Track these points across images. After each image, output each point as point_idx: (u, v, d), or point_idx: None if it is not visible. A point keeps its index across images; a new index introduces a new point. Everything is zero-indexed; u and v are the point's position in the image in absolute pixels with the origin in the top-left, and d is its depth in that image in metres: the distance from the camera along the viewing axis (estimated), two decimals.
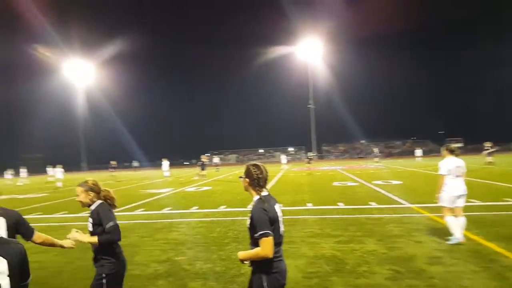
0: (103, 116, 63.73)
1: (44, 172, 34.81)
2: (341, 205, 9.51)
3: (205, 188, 16.69)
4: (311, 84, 61.97)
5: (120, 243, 2.94)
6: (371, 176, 18.73)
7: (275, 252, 2.28)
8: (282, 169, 29.90)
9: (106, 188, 3.01)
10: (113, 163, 28.57)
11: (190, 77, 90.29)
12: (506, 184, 12.39)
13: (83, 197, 2.93)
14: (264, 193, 2.42)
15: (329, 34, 60.33)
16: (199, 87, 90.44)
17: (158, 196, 13.87)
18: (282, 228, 2.39)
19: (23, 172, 30.20)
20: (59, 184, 22.14)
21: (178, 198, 13.07)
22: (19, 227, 2.66)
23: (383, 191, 12.06)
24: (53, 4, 61.93)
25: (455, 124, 71.51)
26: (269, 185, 15.65)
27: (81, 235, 2.86)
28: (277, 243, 2.32)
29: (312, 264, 4.93)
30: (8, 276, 1.57)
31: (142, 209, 10.49)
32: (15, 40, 63.82)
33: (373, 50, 72.74)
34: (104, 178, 27.87)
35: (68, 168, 23.70)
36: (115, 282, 2.84)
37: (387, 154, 59.91)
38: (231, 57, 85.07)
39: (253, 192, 2.43)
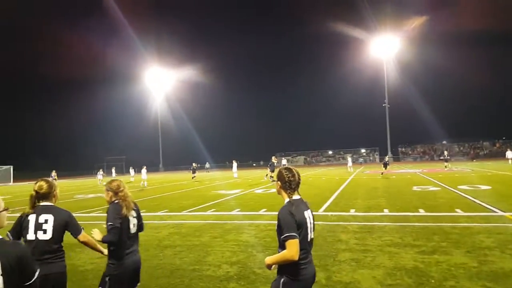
0: (176, 120, 67.82)
1: (127, 172, 38.00)
2: (422, 212, 8.86)
3: (273, 190, 16.67)
4: (386, 82, 59.10)
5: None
6: (456, 180, 17.28)
7: (302, 258, 2.28)
8: (350, 172, 29.03)
9: (126, 191, 3.05)
10: (194, 164, 30.01)
11: (259, 77, 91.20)
12: None
13: (105, 195, 3.08)
14: (296, 196, 2.44)
15: (407, 29, 56.76)
16: (268, 87, 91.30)
17: (227, 197, 14.21)
18: (310, 235, 2.40)
19: (113, 172, 33.37)
20: (144, 183, 23.93)
21: (247, 199, 13.24)
22: (67, 225, 2.84)
23: (470, 197, 11.02)
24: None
25: None
26: (340, 188, 15.56)
27: (96, 233, 2.94)
28: (304, 249, 2.30)
29: (392, 275, 4.54)
30: (2, 275, 1.61)
31: (213, 210, 10.80)
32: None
33: (459, 45, 66.69)
34: (184, 177, 29.45)
35: (148, 170, 25.76)
36: (118, 284, 2.84)
37: (473, 156, 54.16)
38: (301, 55, 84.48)
39: (285, 195, 2.46)
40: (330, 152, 75.10)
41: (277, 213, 2.41)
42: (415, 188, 14.64)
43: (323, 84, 77.73)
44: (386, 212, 9.11)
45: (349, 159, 33.52)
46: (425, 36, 59.23)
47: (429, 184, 15.94)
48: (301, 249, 2.25)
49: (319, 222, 8.01)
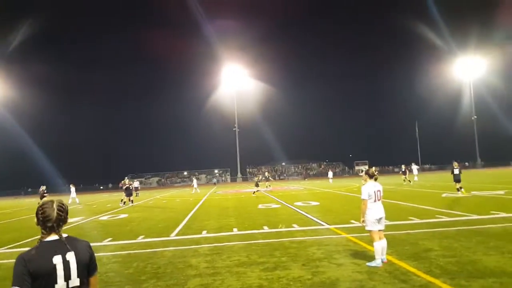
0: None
1: None
2: (266, 229, 9.46)
3: (121, 216, 15.40)
4: (236, 109, 63.40)
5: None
6: (293, 198, 19.26)
7: None
8: (194, 193, 29.91)
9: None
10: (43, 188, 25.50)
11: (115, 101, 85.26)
12: (409, 204, 13.63)
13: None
14: (51, 237, 2.05)
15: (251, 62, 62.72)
16: (119, 109, 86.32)
17: (65, 227, 12.31)
18: (59, 284, 1.96)
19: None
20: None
21: (89, 228, 11.78)
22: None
23: (304, 213, 12.36)
24: None
25: (362, 149, 79.00)
26: (193, 210, 15.72)
27: None
28: None
29: None
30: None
31: None
32: None
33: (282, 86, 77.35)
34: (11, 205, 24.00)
35: None
36: None
37: (305, 175, 63.03)
38: (160, 79, 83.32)
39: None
40: (185, 173, 75.02)
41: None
42: (260, 206, 15.68)
43: (178, 107, 78.00)
44: (235, 231, 9.43)
45: (195, 180, 33.83)
46: (266, 70, 66.73)
47: (272, 202, 17.33)
48: None
49: (170, 248, 7.73)
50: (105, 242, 8.88)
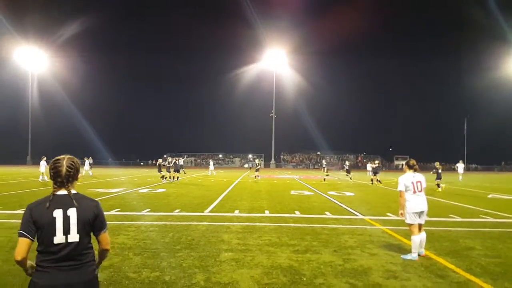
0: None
1: None
2: (297, 214, 9.40)
3: (159, 190, 15.95)
4: (274, 94, 63.04)
5: None
6: (326, 187, 18.99)
7: (42, 261, 2.09)
8: (210, 174, 30.70)
9: None
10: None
11: (156, 83, 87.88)
12: (451, 202, 12.96)
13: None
14: (61, 192, 2.17)
15: (294, 45, 61.63)
16: (160, 90, 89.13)
17: (107, 196, 12.97)
18: (58, 237, 2.08)
19: None
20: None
21: (129, 199, 12.31)
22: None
23: (337, 202, 12.16)
24: None
25: (403, 143, 75.95)
26: (228, 189, 16.18)
27: None
28: (46, 253, 2.10)
29: (268, 274, 4.62)
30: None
31: None
32: None
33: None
34: None
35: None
36: None
37: (341, 167, 61.45)
38: (199, 67, 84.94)
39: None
40: (220, 156, 76.38)
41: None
42: (293, 192, 15.62)
43: (216, 92, 78.90)
44: (267, 213, 9.43)
45: (211, 162, 33.46)
46: (310, 52, 65.42)
47: (305, 189, 17.17)
48: (43, 252, 2.09)
49: (203, 223, 7.89)
50: (144, 212, 9.19)
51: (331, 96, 74.69)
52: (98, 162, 49.83)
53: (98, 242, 2.30)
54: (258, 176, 23.81)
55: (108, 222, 2.34)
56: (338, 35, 70.52)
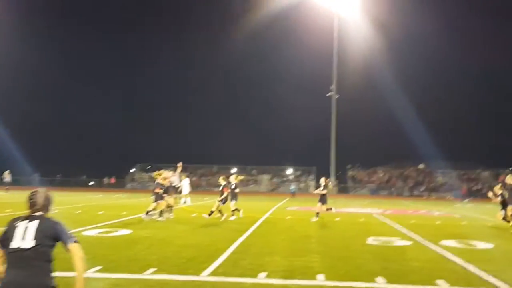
0: None
1: None
2: (381, 283, 9.08)
3: (120, 232, 15.90)
4: (336, 57, 62.13)
5: None
6: (438, 231, 18.59)
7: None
8: (182, 204, 30.42)
9: None
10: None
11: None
12: None
13: None
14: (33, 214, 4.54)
15: None
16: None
17: None
18: (14, 241, 4.24)
19: None
20: None
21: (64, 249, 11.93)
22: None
23: (459, 261, 11.66)
24: None
25: None
26: (247, 232, 16.75)
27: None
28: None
29: None
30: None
31: None
32: None
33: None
34: None
35: None
36: None
37: (466, 193, 58.23)
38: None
39: None
40: (234, 170, 76.75)
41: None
42: (371, 240, 15.13)
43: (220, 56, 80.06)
44: (320, 279, 9.26)
45: (185, 182, 30.23)
46: None
47: (395, 235, 16.69)
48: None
49: None
50: (90, 273, 8.91)
51: (447, 61, 73.26)
52: (15, 180, 51.71)
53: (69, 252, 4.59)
54: (331, 208, 22.98)
55: None
56: None
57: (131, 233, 15.33)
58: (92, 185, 71.06)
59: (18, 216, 4.40)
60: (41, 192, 4.64)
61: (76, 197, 39.97)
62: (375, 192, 68.27)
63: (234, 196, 21.78)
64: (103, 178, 72.61)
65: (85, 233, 15.09)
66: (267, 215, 24.13)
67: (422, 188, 69.01)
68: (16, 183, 53.02)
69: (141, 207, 28.35)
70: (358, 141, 72.27)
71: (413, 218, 24.75)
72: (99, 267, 9.56)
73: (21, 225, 4.25)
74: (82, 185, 69.34)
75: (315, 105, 66.20)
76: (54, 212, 17.86)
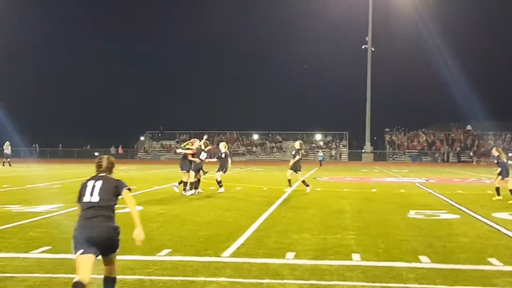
0: None
1: None
2: (426, 262, 9.16)
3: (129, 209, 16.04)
4: (370, 9, 61.95)
5: None
6: (489, 202, 18.75)
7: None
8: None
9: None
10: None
11: None
12: None
13: None
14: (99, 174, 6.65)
15: None
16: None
17: (23, 221, 13.59)
18: (85, 197, 6.34)
19: None
20: None
21: (69, 227, 12.43)
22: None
23: None
24: None
25: None
26: (272, 207, 16.83)
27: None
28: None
29: None
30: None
31: None
32: None
33: None
34: None
35: None
36: None
37: None
38: None
39: None
40: (256, 137, 77.12)
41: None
42: (413, 214, 15.38)
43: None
44: (356, 259, 9.35)
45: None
46: None
47: (440, 208, 16.90)
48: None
49: (220, 279, 7.94)
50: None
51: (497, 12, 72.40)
52: (14, 152, 53.12)
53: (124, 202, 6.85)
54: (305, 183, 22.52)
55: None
56: None
57: (142, 209, 15.42)
58: (97, 155, 72.36)
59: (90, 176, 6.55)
60: (105, 157, 6.85)
61: (80, 170, 41.01)
62: (416, 158, 68.10)
63: (223, 166, 22.35)
64: (110, 148, 73.23)
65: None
66: (293, 187, 24.25)
67: (470, 153, 68.66)
68: (15, 154, 54.35)
69: (152, 180, 29.06)
70: (397, 101, 72.05)
71: (461, 188, 24.91)
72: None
73: (89, 184, 6.38)
74: (85, 156, 69.79)
75: (348, 60, 66.01)
76: (57, 187, 18.99)
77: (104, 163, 6.73)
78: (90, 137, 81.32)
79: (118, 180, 6.66)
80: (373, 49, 62.62)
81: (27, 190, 21.38)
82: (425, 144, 72.41)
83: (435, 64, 64.25)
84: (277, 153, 73.45)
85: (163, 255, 9.43)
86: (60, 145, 78.01)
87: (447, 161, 66.24)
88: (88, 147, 78.21)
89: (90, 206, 6.24)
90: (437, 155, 69.21)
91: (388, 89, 66.98)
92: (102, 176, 6.58)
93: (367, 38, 62.65)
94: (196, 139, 23.11)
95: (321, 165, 55.21)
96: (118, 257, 9.05)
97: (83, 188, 6.47)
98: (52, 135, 75.50)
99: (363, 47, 62.87)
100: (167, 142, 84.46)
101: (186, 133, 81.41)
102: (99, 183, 6.43)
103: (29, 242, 10.60)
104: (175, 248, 10.07)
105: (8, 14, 78.01)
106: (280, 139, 76.79)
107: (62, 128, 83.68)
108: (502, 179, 18.81)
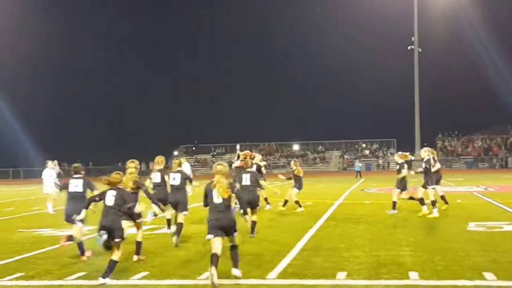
0: None
1: None
2: (490, 280, 9.00)
3: (167, 229, 15.88)
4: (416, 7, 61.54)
5: None
6: None
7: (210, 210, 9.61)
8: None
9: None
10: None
11: None
12: None
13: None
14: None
15: None
16: None
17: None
18: (214, 199, 9.40)
19: None
20: None
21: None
22: None
23: None
24: None
25: None
26: (318, 222, 16.92)
27: None
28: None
29: None
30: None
31: None
32: None
33: None
34: None
35: None
36: None
37: None
38: None
39: None
40: (296, 147, 77.11)
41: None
42: (473, 226, 15.22)
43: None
44: (413, 278, 9.31)
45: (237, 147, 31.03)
46: None
47: (503, 219, 16.72)
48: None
49: None
50: (136, 280, 9.59)
51: None
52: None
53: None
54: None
55: None
56: None
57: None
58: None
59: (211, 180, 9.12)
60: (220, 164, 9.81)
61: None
62: (472, 165, 67.17)
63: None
64: (141, 163, 74.55)
65: (128, 231, 15.41)
66: (340, 200, 24.21)
67: None
68: (37, 174, 55.28)
69: (192, 197, 29.00)
70: (449, 104, 71.14)
71: None
72: (145, 273, 10.01)
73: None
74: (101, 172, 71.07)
75: (393, 64, 65.63)
76: (90, 207, 18.87)
77: (219, 168, 9.53)
78: (118, 153, 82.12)
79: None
80: (420, 50, 62.00)
81: (57, 211, 21.47)
82: (481, 150, 71.38)
83: (487, 64, 63.35)
84: (320, 164, 73.15)
85: (204, 279, 9.37)
86: (91, 163, 79.24)
87: (506, 167, 65.11)
88: (120, 164, 79.62)
89: (217, 205, 9.17)
90: (494, 160, 68.19)
91: (438, 92, 66.39)
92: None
93: (413, 39, 62.14)
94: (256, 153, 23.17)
95: (360, 176, 54.16)
96: (156, 282, 9.51)
97: (208, 191, 9.29)
98: (84, 153, 76.48)
99: (408, 47, 62.28)
100: (202, 157, 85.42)
101: (222, 146, 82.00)
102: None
103: (63, 268, 10.78)
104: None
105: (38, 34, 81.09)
106: (323, 149, 76.45)
107: (88, 143, 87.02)
108: None
